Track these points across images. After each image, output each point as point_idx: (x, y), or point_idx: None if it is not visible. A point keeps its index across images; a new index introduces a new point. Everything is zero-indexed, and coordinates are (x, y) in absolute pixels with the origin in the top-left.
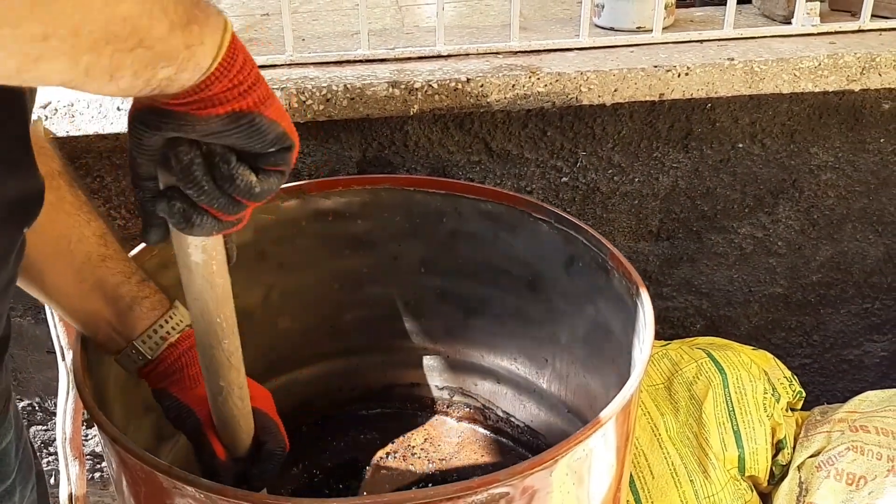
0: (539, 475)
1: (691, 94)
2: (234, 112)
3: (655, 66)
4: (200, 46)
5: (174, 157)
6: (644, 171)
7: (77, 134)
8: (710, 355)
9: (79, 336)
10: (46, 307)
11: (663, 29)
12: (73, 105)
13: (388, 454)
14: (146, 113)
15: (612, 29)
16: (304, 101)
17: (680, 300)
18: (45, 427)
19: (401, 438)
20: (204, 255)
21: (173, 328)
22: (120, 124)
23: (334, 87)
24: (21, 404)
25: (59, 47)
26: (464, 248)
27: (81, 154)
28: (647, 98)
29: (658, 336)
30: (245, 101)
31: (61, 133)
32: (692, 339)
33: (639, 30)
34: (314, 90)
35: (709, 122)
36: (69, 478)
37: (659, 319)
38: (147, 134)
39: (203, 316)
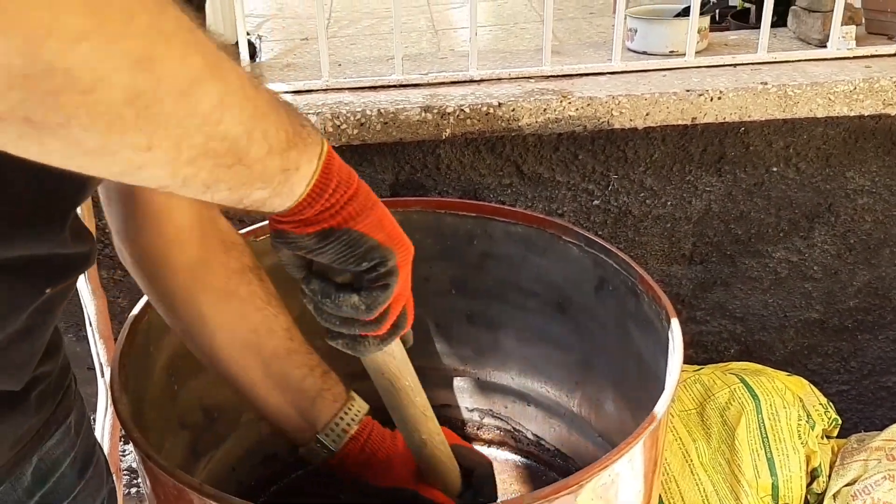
0: (563, 500)
1: (724, 118)
2: (324, 230)
3: (688, 91)
4: (296, 172)
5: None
6: (676, 194)
7: None
8: (743, 381)
9: (118, 352)
10: (87, 323)
11: (696, 53)
12: None
13: None
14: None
15: (644, 53)
16: (339, 126)
17: (713, 324)
18: None
19: None
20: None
21: (353, 419)
22: None
23: (368, 112)
24: None
25: (161, 158)
26: (494, 270)
27: None
28: (680, 122)
29: (691, 360)
30: (335, 220)
31: None
32: (726, 364)
33: (672, 54)
34: (348, 115)
35: (742, 146)
36: None
37: (692, 344)
38: (276, 245)
39: (393, 385)
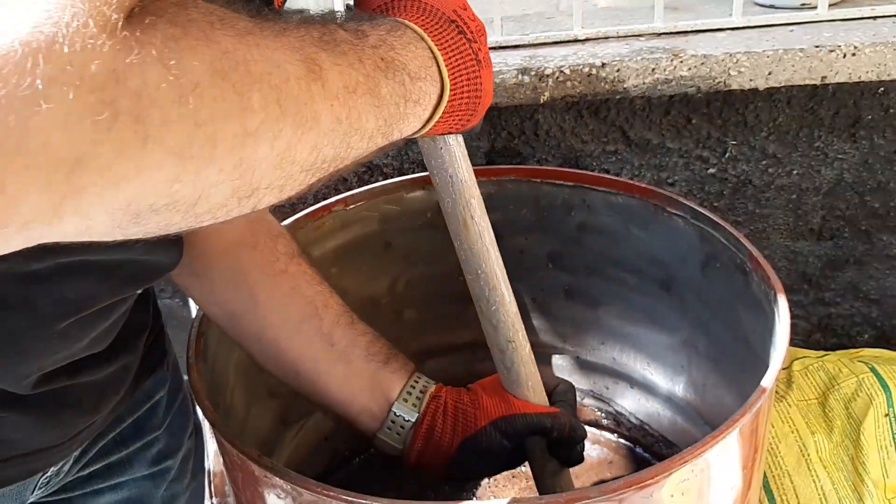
0: (639, 494)
1: (859, 77)
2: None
3: (816, 47)
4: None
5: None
6: (804, 162)
7: None
8: (873, 369)
9: (197, 321)
10: None
11: (834, 5)
12: None
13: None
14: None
15: (772, 7)
16: None
17: (845, 307)
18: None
19: None
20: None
21: (429, 381)
22: None
23: None
24: None
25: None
26: (593, 243)
27: None
28: (807, 82)
29: (819, 346)
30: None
31: None
32: (857, 350)
33: (803, 6)
34: None
35: (881, 108)
36: (207, 454)
37: (820, 327)
38: None
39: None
